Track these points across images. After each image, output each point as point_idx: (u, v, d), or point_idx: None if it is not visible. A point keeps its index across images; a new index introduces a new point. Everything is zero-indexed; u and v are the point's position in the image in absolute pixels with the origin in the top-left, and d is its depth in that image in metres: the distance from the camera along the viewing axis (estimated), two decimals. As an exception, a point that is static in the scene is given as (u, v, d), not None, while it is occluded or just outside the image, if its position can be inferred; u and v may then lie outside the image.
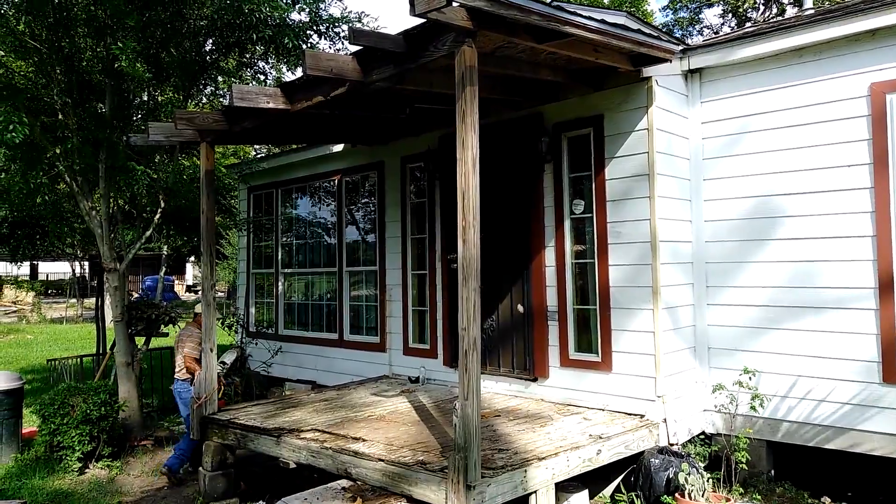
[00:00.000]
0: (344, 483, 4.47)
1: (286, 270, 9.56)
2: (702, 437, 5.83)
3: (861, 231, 5.15)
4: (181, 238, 8.70)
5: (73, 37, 6.81)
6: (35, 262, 42.42)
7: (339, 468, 4.59)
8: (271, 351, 9.06)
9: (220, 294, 45.70)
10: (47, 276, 44.98)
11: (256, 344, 9.12)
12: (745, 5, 25.62)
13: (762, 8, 25.20)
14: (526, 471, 4.16)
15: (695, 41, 14.82)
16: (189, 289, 46.57)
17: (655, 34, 5.59)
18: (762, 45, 5.54)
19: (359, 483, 4.42)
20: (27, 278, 40.10)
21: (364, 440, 4.81)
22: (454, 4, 3.62)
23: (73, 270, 29.60)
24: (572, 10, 4.21)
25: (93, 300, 33.79)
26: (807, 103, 5.42)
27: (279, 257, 9.58)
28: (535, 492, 4.21)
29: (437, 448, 4.55)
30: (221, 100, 8.42)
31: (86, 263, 29.87)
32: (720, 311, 5.86)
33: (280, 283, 9.54)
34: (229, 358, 9.82)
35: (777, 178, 5.56)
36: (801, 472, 5.64)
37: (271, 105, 5.04)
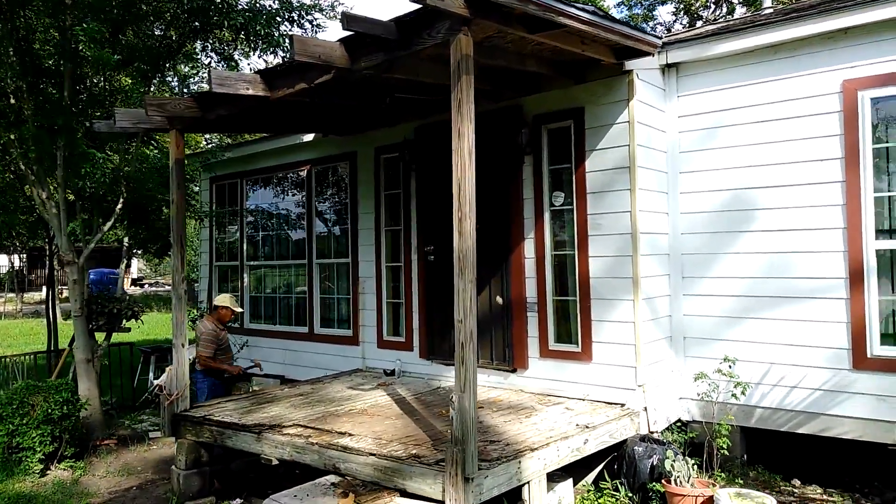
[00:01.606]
0: (333, 478, 4.37)
1: (252, 263, 9.31)
2: (678, 424, 5.95)
3: (832, 223, 5.31)
4: (139, 229, 8.33)
5: (26, 16, 6.44)
6: (-33, 255, 40.29)
7: (326, 464, 4.49)
8: (237, 345, 8.82)
9: (167, 288, 44.36)
10: (-20, 269, 42.78)
11: (222, 338, 8.85)
12: (697, 4, 26.21)
13: (713, 6, 25.85)
14: (520, 462, 4.15)
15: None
16: (134, 282, 45.06)
17: (638, 27, 5.63)
18: (739, 40, 5.64)
19: (348, 478, 4.34)
20: (-41, 272, 38.02)
21: (351, 434, 4.72)
22: (454, -10, 3.55)
23: (12, 263, 28.28)
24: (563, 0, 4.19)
25: (32, 294, 32.29)
26: (781, 99, 5.56)
27: (244, 249, 9.33)
28: (529, 482, 4.21)
29: (428, 441, 4.50)
30: (188, 87, 8.11)
31: (24, 256, 28.54)
32: (696, 301, 5.98)
33: (245, 276, 9.29)
34: (192, 353, 9.53)
35: (751, 172, 5.69)
36: (772, 456, 5.82)
37: (251, 92, 4.87)
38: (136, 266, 46.91)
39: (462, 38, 3.84)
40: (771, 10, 8.77)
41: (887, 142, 5.18)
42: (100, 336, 7.53)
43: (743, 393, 5.11)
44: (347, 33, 4.12)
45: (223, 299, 6.93)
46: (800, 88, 5.47)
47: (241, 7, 6.51)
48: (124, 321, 7.55)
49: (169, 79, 8.17)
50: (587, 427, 4.89)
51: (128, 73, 7.13)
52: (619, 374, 5.62)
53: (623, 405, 5.54)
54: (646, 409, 5.52)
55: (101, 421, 7.12)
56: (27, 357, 8.90)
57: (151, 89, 7.12)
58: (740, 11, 25.68)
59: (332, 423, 5.08)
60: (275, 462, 4.89)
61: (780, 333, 5.54)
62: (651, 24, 27.98)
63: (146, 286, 44.40)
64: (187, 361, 5.95)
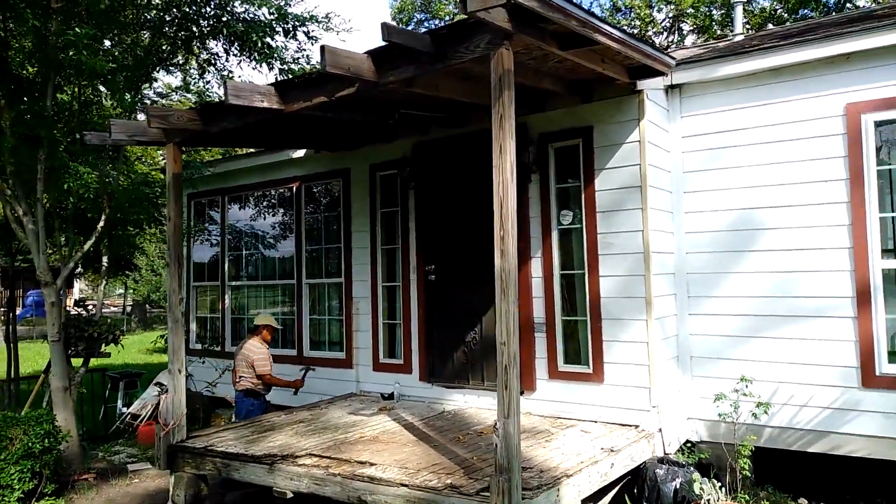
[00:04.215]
0: (358, 512, 4.15)
1: (234, 283, 8.95)
2: (688, 445, 5.92)
3: (839, 243, 5.40)
4: (122, 246, 7.91)
5: (3, 20, 6.06)
6: None
7: (350, 496, 4.26)
8: (218, 370, 8.44)
9: (112, 309, 42.55)
10: (-89, 291, 40.10)
11: (204, 362, 8.46)
12: (651, 31, 27.02)
13: (665, 33, 26.71)
14: (558, 489, 4.03)
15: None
16: (77, 303, 43.07)
17: (656, 47, 5.66)
18: (743, 63, 5.74)
19: (375, 511, 4.12)
20: None
21: (372, 464, 4.50)
22: (497, 4, 3.45)
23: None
24: (599, 17, 4.17)
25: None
26: (785, 121, 5.65)
27: (226, 269, 8.97)
28: (566, 510, 4.08)
29: (457, 469, 4.33)
30: (173, 98, 7.78)
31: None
32: (702, 320, 5.99)
33: (227, 297, 8.93)
34: (167, 379, 9.08)
35: (756, 192, 5.76)
36: (780, 475, 5.83)
37: (265, 104, 4.66)
38: (78, 286, 44.90)
39: (504, 53, 3.76)
40: (742, 37, 9.02)
41: (890, 163, 5.33)
42: (76, 362, 7.06)
43: (765, 412, 5.12)
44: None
45: (265, 318, 6.93)
46: (803, 111, 5.58)
47: (237, 15, 6.27)
48: (103, 346, 7.10)
49: (147, 91, 7.83)
50: (612, 451, 4.80)
51: (107, 84, 6.76)
52: (633, 395, 5.56)
53: (637, 427, 5.47)
54: (661, 430, 5.47)
55: (78, 454, 6.65)
56: (-10, 386, 8.27)
57: (136, 100, 6.78)
58: (691, 39, 26.61)
59: (348, 452, 4.84)
60: (290, 495, 4.61)
61: (788, 352, 5.58)
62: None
63: (90, 307, 42.49)
64: (184, 388, 5.61)
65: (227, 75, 7.21)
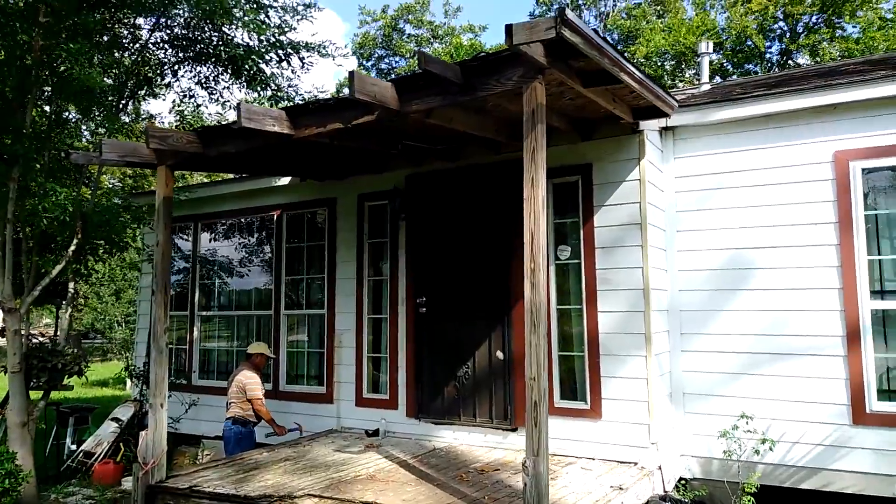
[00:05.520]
0: (370, 557, 3.92)
1: (204, 313, 8.57)
2: (681, 482, 5.90)
3: (829, 284, 5.57)
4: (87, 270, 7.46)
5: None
6: None
7: (359, 540, 4.04)
8: (185, 405, 8.02)
9: (40, 339, 40.25)
10: None
11: (170, 396, 7.98)
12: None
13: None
14: (580, 530, 3.91)
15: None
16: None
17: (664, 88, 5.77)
18: (736, 109, 5.94)
19: (389, 556, 3.91)
20: None
21: (380, 505, 4.29)
22: (542, 39, 3.45)
23: None
24: (625, 56, 4.23)
25: None
26: (776, 165, 5.84)
27: (196, 298, 8.57)
28: (587, 553, 3.97)
29: (472, 510, 4.17)
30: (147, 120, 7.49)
31: None
32: (694, 357, 6.05)
33: (196, 328, 8.52)
34: (124, 413, 8.58)
35: (748, 233, 5.90)
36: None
37: (276, 129, 4.52)
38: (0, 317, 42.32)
39: (537, 87, 3.76)
40: (710, 86, 9.42)
41: (877, 209, 5.55)
42: (34, 395, 6.55)
43: (771, 449, 5.16)
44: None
45: (259, 346, 6.91)
46: (794, 156, 5.79)
47: (228, 41, 6.12)
48: (66, 378, 6.63)
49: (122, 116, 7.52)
50: (620, 489, 4.73)
51: (89, 103, 6.45)
52: (632, 432, 5.53)
53: (636, 464, 5.43)
54: (660, 467, 5.44)
55: (34, 495, 6.12)
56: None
57: (115, 122, 6.48)
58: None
59: (349, 492, 4.61)
60: (289, 539, 4.34)
61: (780, 390, 5.67)
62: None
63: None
64: (165, 424, 5.26)
65: (218, 99, 7.01)
